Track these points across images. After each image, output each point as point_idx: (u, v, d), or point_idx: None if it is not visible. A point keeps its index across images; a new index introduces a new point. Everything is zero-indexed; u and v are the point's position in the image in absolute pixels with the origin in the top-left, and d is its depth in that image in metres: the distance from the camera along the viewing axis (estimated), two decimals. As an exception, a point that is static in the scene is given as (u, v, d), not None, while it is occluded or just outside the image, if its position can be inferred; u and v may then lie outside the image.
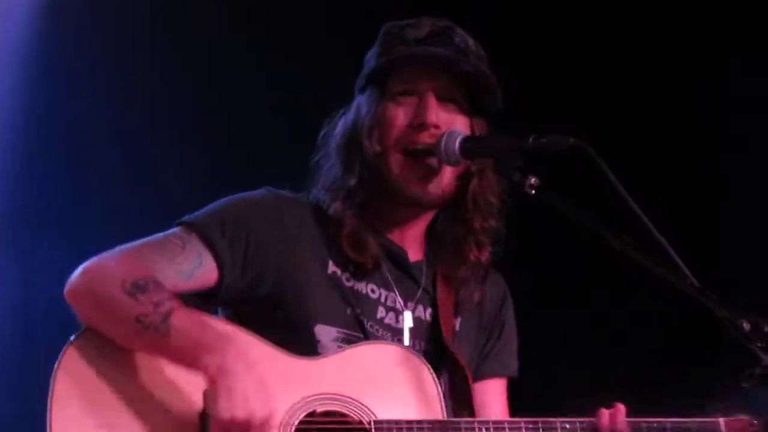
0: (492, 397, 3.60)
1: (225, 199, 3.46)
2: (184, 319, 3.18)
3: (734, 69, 5.64)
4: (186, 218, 3.40)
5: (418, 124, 3.41)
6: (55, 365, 3.20)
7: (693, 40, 5.69)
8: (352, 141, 3.46)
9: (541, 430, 3.29)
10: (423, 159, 3.40)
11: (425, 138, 3.40)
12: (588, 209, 3.16)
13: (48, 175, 5.56)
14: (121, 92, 5.55)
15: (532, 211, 3.31)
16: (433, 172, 3.41)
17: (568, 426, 3.31)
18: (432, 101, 3.42)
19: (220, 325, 3.26)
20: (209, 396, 3.12)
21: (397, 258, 3.50)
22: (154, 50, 5.57)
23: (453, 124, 3.41)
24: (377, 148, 3.42)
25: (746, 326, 2.96)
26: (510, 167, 3.24)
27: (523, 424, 3.30)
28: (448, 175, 3.43)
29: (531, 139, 3.23)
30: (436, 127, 3.39)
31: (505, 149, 3.28)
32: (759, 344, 2.94)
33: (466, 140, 3.36)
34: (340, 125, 3.52)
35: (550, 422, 3.31)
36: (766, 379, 2.93)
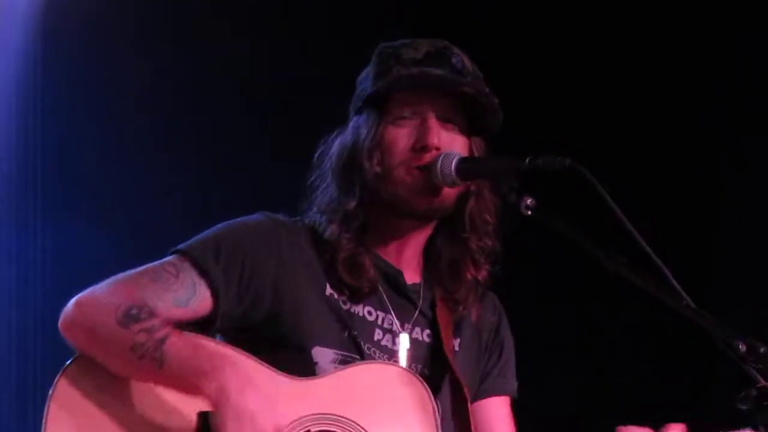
0: (496, 413, 3.60)
1: (220, 225, 3.44)
2: (178, 346, 3.18)
3: (730, 81, 5.64)
4: (180, 246, 3.38)
5: (420, 147, 3.40)
6: (49, 393, 3.20)
7: (688, 53, 5.70)
8: (351, 163, 3.45)
9: None
10: (427, 175, 3.40)
11: (427, 159, 3.40)
12: (584, 229, 3.16)
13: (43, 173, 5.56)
14: (119, 97, 5.55)
15: (529, 224, 3.30)
16: (435, 191, 3.41)
17: None
18: (433, 123, 3.41)
19: (214, 346, 3.26)
20: (216, 421, 3.11)
21: (393, 280, 3.50)
22: (151, 54, 5.57)
23: (453, 146, 3.41)
24: (378, 170, 3.41)
25: (742, 347, 2.97)
26: (506, 188, 3.24)
27: None
28: (447, 190, 3.43)
29: (527, 161, 3.23)
30: (438, 149, 3.39)
31: (501, 170, 3.29)
32: (754, 365, 2.95)
33: (461, 162, 3.36)
34: (337, 146, 3.51)
35: None
36: (762, 401, 2.94)
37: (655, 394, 5.35)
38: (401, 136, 3.42)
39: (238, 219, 3.47)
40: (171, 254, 3.38)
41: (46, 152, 5.62)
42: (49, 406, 3.19)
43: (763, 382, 2.93)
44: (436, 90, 3.42)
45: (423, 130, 3.41)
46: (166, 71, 5.59)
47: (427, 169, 3.39)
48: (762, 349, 2.96)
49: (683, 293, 3.10)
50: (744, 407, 2.98)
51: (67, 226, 5.57)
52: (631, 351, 5.66)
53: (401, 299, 3.51)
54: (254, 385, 3.12)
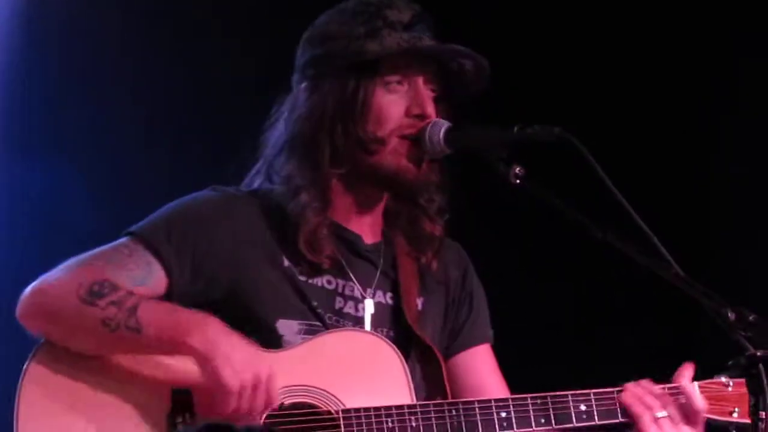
0: (481, 363, 3.58)
1: (171, 204, 3.41)
2: (151, 310, 3.17)
3: (726, 65, 5.64)
4: (132, 228, 3.35)
5: (417, 115, 3.39)
6: (19, 383, 3.18)
7: (686, 37, 5.69)
8: (331, 125, 3.38)
9: (551, 408, 3.31)
10: (416, 144, 3.38)
11: (419, 127, 3.39)
12: (574, 199, 3.16)
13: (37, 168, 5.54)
14: (111, 92, 5.53)
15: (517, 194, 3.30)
16: (422, 159, 3.40)
17: (583, 407, 3.32)
18: (426, 92, 3.41)
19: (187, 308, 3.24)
20: (208, 373, 3.10)
21: (351, 245, 3.47)
22: (142, 50, 5.55)
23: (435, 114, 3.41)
24: (372, 135, 3.37)
25: (731, 316, 2.97)
26: (495, 157, 3.23)
27: (505, 404, 3.30)
28: (427, 162, 3.43)
29: (516, 130, 3.23)
30: (429, 117, 3.39)
31: (491, 139, 3.28)
32: (743, 334, 2.95)
33: (450, 130, 3.35)
34: (309, 106, 3.42)
35: (560, 398, 3.33)
36: (751, 369, 2.93)
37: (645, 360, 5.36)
38: (395, 102, 3.40)
39: (189, 196, 3.43)
40: (123, 236, 3.35)
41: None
42: (20, 395, 3.17)
43: (752, 350, 2.93)
44: (429, 59, 3.41)
45: (418, 97, 3.40)
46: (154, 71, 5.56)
47: (416, 139, 3.38)
48: (751, 317, 2.96)
49: (673, 262, 3.10)
50: (733, 375, 2.99)
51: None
52: (622, 320, 5.66)
53: (361, 262, 3.48)
54: (237, 336, 3.14)
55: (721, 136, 5.67)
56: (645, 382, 3.37)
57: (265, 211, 3.42)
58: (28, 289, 3.24)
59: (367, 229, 3.50)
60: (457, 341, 3.57)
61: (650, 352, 5.38)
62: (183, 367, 3.17)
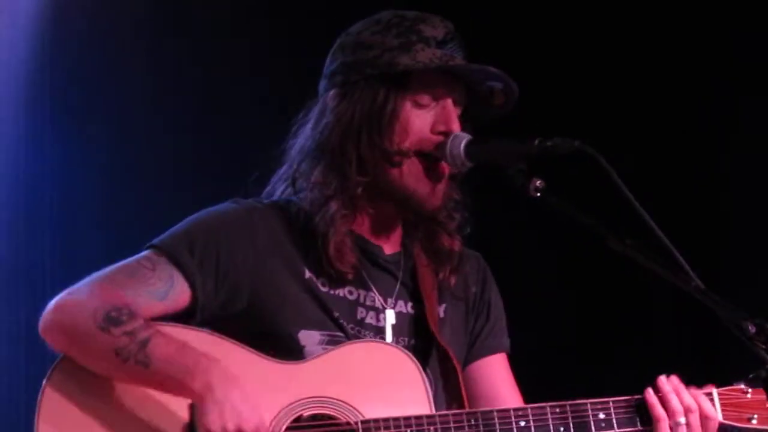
0: (495, 371, 3.58)
1: (192, 216, 3.42)
2: (162, 346, 3.18)
3: (737, 69, 5.65)
4: (155, 241, 3.37)
5: (442, 132, 3.39)
6: (38, 402, 3.21)
7: (695, 43, 5.70)
8: (356, 135, 3.39)
9: (570, 417, 3.31)
10: (435, 164, 3.39)
11: (438, 143, 3.39)
12: (592, 212, 3.17)
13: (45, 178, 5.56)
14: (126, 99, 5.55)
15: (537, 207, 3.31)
16: (440, 179, 3.41)
17: (602, 415, 3.32)
18: (454, 110, 3.41)
19: (197, 347, 3.22)
20: (198, 414, 3.14)
21: (372, 256, 3.48)
22: (155, 53, 5.57)
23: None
24: (395, 147, 3.38)
25: (751, 328, 2.98)
26: (515, 170, 3.24)
27: (524, 413, 3.30)
28: (446, 181, 3.43)
29: (536, 143, 3.23)
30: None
31: (510, 152, 3.28)
32: (763, 346, 2.96)
33: (471, 143, 3.36)
34: (337, 115, 3.42)
35: (579, 406, 3.33)
36: (770, 381, 2.95)
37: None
38: (421, 117, 3.40)
39: (210, 209, 3.44)
40: (146, 249, 3.36)
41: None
42: (38, 418, 3.20)
43: (772, 362, 2.94)
44: (462, 77, 3.41)
45: (445, 115, 3.40)
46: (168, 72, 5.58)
47: (434, 158, 3.38)
48: (771, 330, 2.97)
49: (693, 274, 3.10)
50: (753, 387, 3.00)
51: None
52: (640, 333, 5.67)
53: (382, 273, 3.50)
54: (238, 382, 3.14)
55: (735, 144, 5.68)
56: (676, 381, 3.35)
57: (286, 222, 3.43)
58: (51, 303, 3.26)
59: (386, 239, 3.52)
60: (472, 350, 3.58)
61: (669, 363, 5.38)
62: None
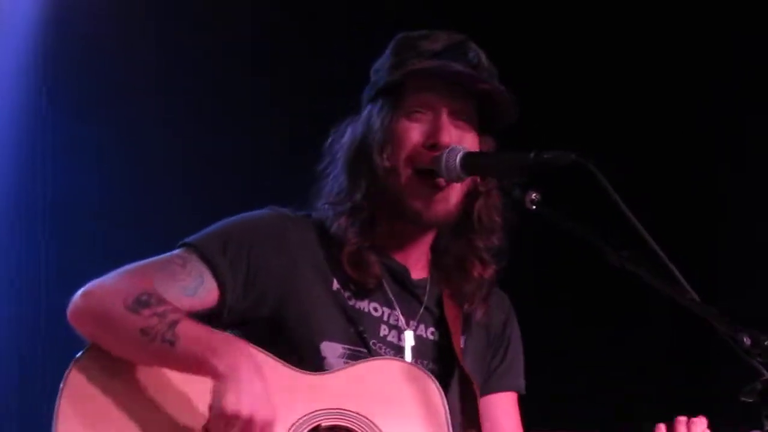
0: (502, 411, 3.60)
1: (227, 219, 3.46)
2: (190, 327, 3.19)
3: (732, 80, 5.66)
4: (187, 239, 3.40)
5: (432, 144, 3.40)
6: (60, 386, 3.21)
7: (689, 54, 5.71)
8: (361, 154, 3.44)
9: None
10: (431, 177, 3.40)
11: (433, 156, 3.40)
12: (589, 225, 3.17)
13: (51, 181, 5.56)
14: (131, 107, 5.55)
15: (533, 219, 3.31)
16: (440, 190, 3.41)
17: None
18: (446, 120, 3.41)
19: (227, 333, 3.27)
20: (216, 391, 3.11)
21: (398, 276, 3.50)
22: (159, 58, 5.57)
23: (462, 142, 3.40)
24: (387, 163, 3.41)
25: (747, 341, 2.97)
26: (511, 183, 3.25)
27: None
28: (456, 193, 3.43)
29: (532, 155, 3.24)
30: (445, 146, 3.39)
31: (507, 165, 3.30)
32: (759, 359, 2.96)
33: (466, 156, 3.36)
34: (348, 136, 3.50)
35: None
36: (765, 394, 2.94)
37: (658, 391, 5.37)
38: (414, 131, 3.42)
39: (246, 213, 3.48)
40: (178, 247, 3.39)
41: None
42: (60, 398, 3.19)
43: (767, 375, 2.94)
44: (452, 84, 3.42)
45: (436, 127, 3.41)
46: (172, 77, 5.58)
47: (428, 171, 3.39)
48: (766, 342, 2.96)
49: (688, 287, 3.10)
50: (749, 400, 2.99)
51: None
52: (635, 348, 5.66)
53: (407, 295, 3.51)
54: (263, 374, 3.13)
55: (731, 154, 5.68)
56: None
57: (318, 234, 3.46)
58: (80, 291, 3.28)
59: (414, 263, 3.53)
60: (486, 385, 3.59)
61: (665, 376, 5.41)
62: None
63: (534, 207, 3.22)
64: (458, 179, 3.39)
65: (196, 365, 3.15)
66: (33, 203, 5.52)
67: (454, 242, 3.53)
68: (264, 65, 5.59)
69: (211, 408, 3.10)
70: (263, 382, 3.12)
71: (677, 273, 3.11)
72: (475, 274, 3.52)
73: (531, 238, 3.69)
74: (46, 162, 5.55)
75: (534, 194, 3.22)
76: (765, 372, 2.94)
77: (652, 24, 5.75)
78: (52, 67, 5.52)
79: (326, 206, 3.47)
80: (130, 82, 5.53)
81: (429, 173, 3.40)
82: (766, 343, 2.96)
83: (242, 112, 5.59)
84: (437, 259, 3.56)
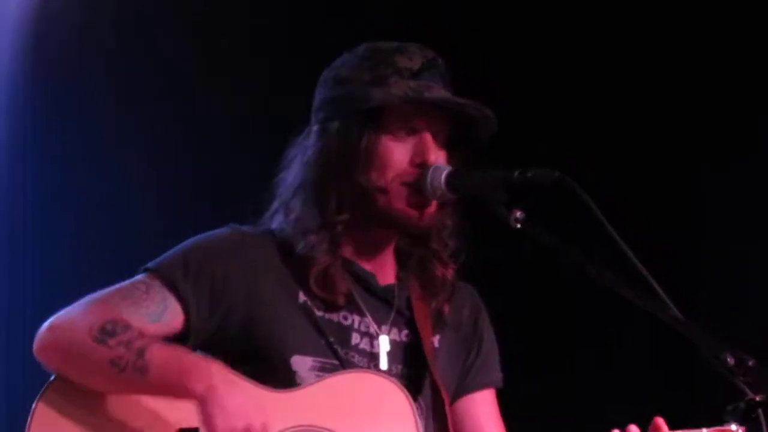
0: (482, 409, 3.59)
1: (188, 241, 3.44)
2: (160, 352, 3.20)
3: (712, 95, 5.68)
4: (149, 264, 3.39)
5: (419, 164, 3.40)
6: (28, 422, 3.21)
7: (668, 57, 5.73)
8: (335, 172, 3.41)
9: None
10: (417, 191, 3.40)
11: (419, 174, 3.40)
12: (572, 243, 3.18)
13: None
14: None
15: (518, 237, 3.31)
16: (425, 205, 3.41)
17: None
18: (431, 141, 3.42)
19: (195, 354, 3.28)
20: (202, 418, 3.13)
21: (366, 283, 3.49)
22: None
23: (441, 160, 3.42)
24: (375, 183, 3.39)
25: (730, 360, 2.98)
26: (496, 201, 3.25)
27: None
28: (434, 206, 3.44)
29: (516, 174, 3.25)
30: (433, 165, 3.39)
31: (491, 184, 3.30)
32: (743, 378, 2.97)
33: (451, 175, 3.37)
34: (316, 153, 3.44)
35: None
36: (750, 413, 2.95)
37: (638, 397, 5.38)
38: (399, 151, 3.41)
39: (206, 233, 3.46)
40: (140, 273, 3.38)
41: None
42: (29, 425, 3.20)
43: (751, 395, 2.95)
44: (438, 108, 3.41)
45: (423, 147, 3.40)
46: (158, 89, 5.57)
47: (417, 185, 3.39)
48: (750, 362, 2.97)
49: (671, 305, 3.12)
50: (731, 420, 3.00)
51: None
52: (615, 364, 5.69)
53: (376, 301, 3.50)
54: (239, 383, 3.17)
55: (713, 166, 5.70)
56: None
57: (281, 249, 3.44)
58: (45, 324, 3.27)
59: (380, 269, 3.52)
60: (463, 384, 3.59)
61: (646, 390, 5.42)
62: (190, 407, 3.18)
63: (519, 225, 3.23)
64: (442, 197, 3.40)
65: (171, 390, 3.17)
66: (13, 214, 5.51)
67: (413, 246, 3.54)
68: (245, 84, 5.58)
69: None
70: (242, 388, 3.16)
71: (660, 290, 3.12)
72: (438, 274, 3.53)
73: (509, 246, 3.70)
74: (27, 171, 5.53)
75: (518, 212, 3.23)
76: (749, 392, 2.95)
77: (633, 34, 5.76)
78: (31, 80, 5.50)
79: (290, 226, 3.44)
80: (111, 91, 5.52)
81: (417, 187, 3.40)
82: (750, 363, 2.97)
83: (230, 128, 5.59)
84: (403, 262, 3.56)
